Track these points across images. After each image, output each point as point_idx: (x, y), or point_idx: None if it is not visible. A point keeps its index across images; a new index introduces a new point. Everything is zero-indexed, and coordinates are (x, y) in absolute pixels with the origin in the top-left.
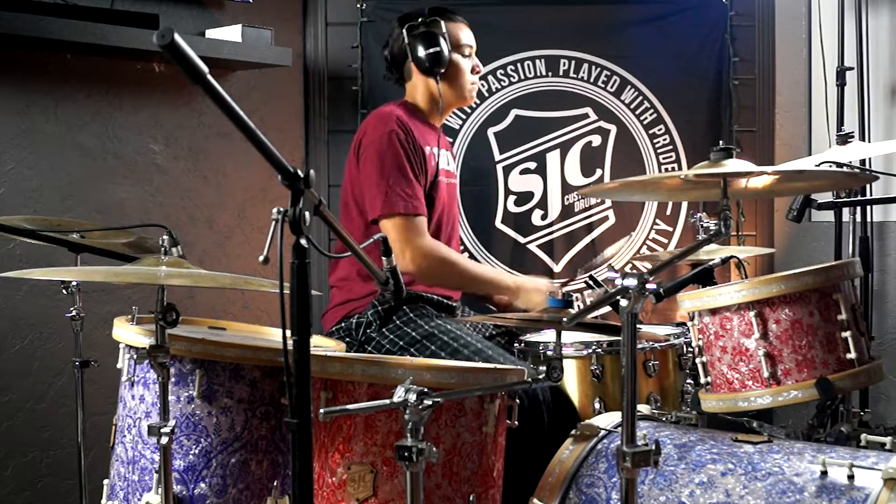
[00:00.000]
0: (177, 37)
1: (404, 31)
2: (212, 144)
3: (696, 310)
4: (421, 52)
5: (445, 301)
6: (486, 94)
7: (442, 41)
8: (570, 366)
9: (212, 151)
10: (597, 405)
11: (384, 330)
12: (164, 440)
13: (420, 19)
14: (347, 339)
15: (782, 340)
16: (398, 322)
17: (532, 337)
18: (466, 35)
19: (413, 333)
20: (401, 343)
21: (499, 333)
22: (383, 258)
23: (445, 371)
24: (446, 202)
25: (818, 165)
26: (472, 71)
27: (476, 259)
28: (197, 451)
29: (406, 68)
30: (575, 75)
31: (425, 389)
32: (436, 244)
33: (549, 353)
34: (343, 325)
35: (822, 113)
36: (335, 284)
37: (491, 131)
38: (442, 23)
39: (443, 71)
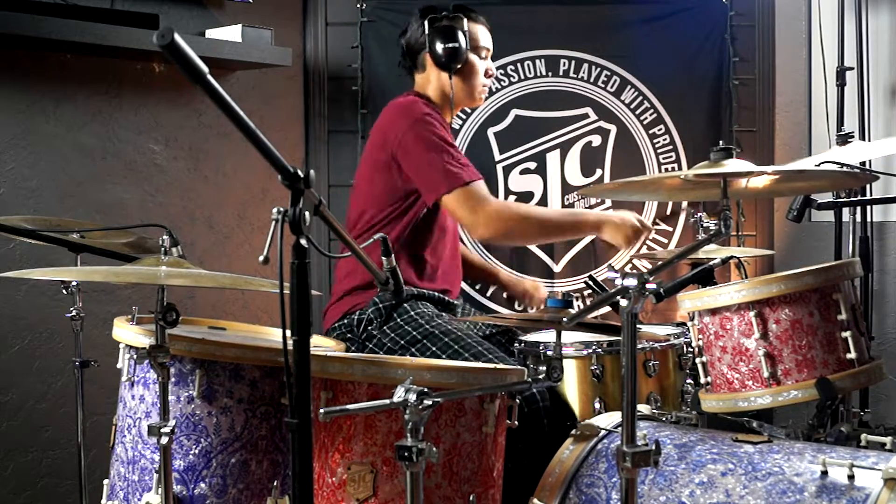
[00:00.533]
0: (177, 37)
1: (426, 22)
2: (212, 144)
3: (696, 310)
4: (439, 45)
5: (447, 299)
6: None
7: (462, 37)
8: (570, 366)
9: (212, 151)
10: (597, 405)
11: (385, 328)
12: (164, 440)
13: (444, 13)
14: (349, 336)
15: (782, 340)
16: (399, 320)
17: (532, 337)
18: (485, 37)
19: (414, 332)
20: (402, 342)
21: (498, 333)
22: (383, 258)
23: (445, 371)
24: None
25: (818, 165)
26: (486, 74)
27: (477, 258)
28: (197, 451)
29: (421, 59)
30: (575, 75)
31: (425, 389)
32: (505, 203)
33: (549, 353)
34: (345, 321)
35: (822, 113)
36: (339, 281)
37: (491, 131)
38: (464, 20)
39: (458, 67)
